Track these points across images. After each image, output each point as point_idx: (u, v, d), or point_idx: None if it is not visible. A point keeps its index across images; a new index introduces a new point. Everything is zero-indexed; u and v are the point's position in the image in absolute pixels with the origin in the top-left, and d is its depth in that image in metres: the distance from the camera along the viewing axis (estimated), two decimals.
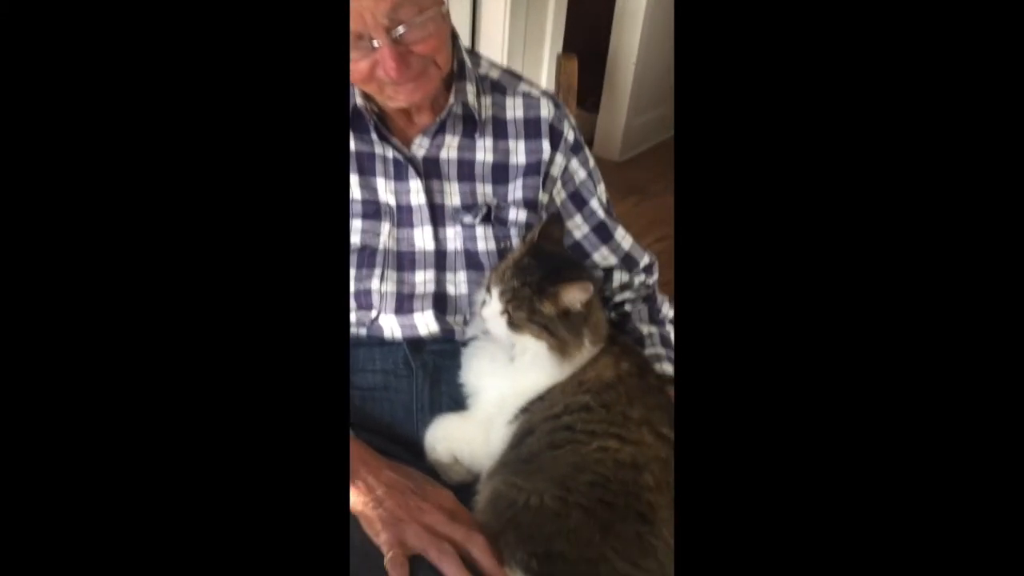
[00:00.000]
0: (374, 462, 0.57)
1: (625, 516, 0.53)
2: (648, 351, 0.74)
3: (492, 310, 0.61)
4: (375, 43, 0.55)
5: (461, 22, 2.12)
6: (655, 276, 0.85)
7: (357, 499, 0.54)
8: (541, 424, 0.59)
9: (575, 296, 0.58)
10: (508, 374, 0.62)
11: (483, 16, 2.21)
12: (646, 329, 0.77)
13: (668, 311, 0.81)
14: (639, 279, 0.83)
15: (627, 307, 0.80)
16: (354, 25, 0.53)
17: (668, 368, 0.72)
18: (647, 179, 3.07)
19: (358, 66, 0.57)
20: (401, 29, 0.55)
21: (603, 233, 0.78)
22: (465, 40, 2.04)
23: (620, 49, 2.97)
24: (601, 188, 0.80)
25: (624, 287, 0.82)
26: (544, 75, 2.70)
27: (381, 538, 0.52)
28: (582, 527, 0.52)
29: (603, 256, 0.78)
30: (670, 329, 0.78)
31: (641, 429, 0.58)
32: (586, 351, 0.62)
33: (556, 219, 0.67)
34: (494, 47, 2.34)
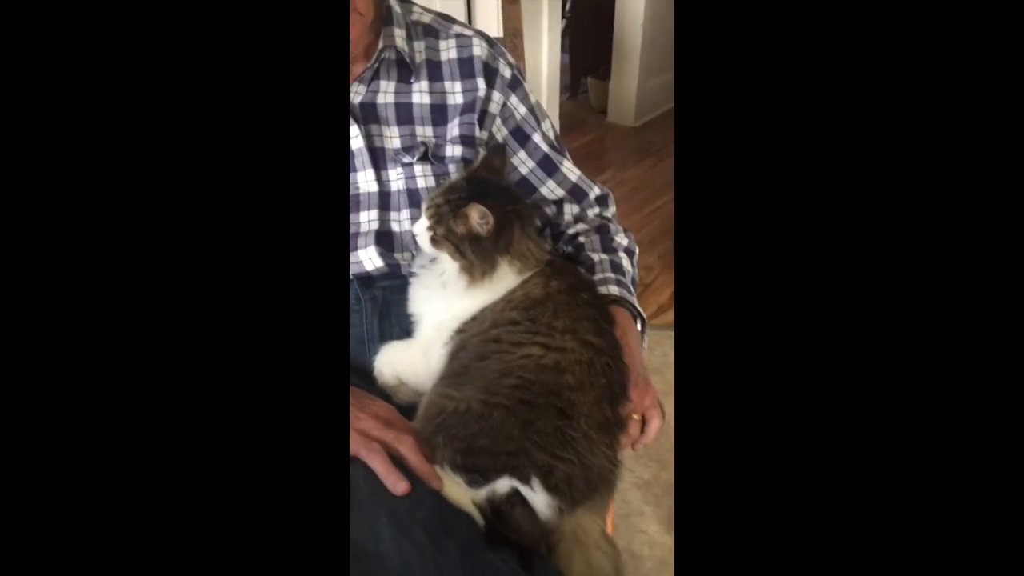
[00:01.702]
0: None
1: (545, 413, 0.56)
2: (597, 276, 0.76)
3: (420, 225, 0.65)
4: None
5: None
6: (611, 208, 0.87)
7: None
8: (471, 340, 0.63)
9: (473, 217, 0.61)
10: (442, 299, 0.66)
11: None
12: (597, 257, 0.79)
13: (623, 240, 0.83)
14: (592, 211, 0.84)
15: (581, 239, 0.82)
16: None
17: (614, 290, 0.74)
18: (663, 142, 3.03)
19: None
20: None
21: (548, 166, 0.80)
22: (460, 13, 2.06)
23: (626, 13, 2.94)
24: (547, 124, 0.82)
25: (577, 220, 0.84)
26: (544, 50, 2.70)
27: None
28: (503, 424, 0.55)
29: (550, 190, 0.81)
30: (622, 256, 0.80)
31: (565, 337, 0.60)
32: (506, 276, 0.64)
33: (498, 150, 0.70)
34: (490, 19, 2.35)
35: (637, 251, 0.85)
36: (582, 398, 0.58)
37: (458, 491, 0.55)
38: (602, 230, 0.83)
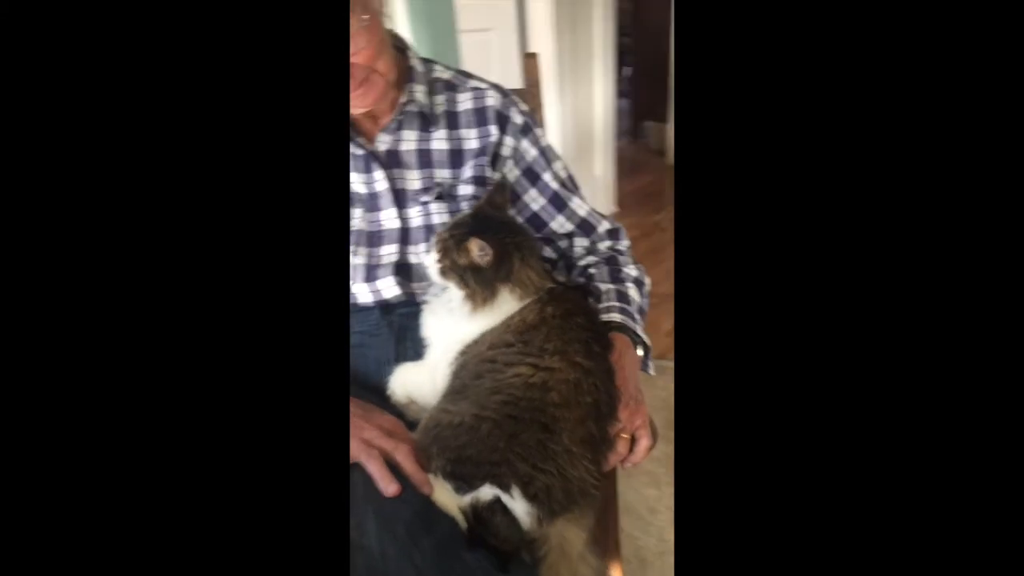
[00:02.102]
0: None
1: (529, 427, 0.60)
2: (602, 304, 0.80)
3: (431, 258, 0.72)
4: None
5: (509, 40, 2.23)
6: (623, 242, 0.91)
7: None
8: (471, 360, 0.68)
9: (473, 250, 0.67)
10: (449, 324, 0.72)
11: (531, 33, 2.31)
12: (604, 287, 0.83)
13: (631, 271, 0.86)
14: (604, 244, 0.89)
15: (591, 270, 0.87)
16: None
17: (616, 317, 0.78)
18: None
19: None
20: None
21: (558, 203, 0.86)
22: (515, 61, 2.16)
23: None
24: (558, 164, 0.88)
25: (589, 252, 0.88)
26: (597, 92, 2.78)
27: None
28: (490, 436, 0.60)
29: (560, 224, 0.86)
30: (630, 286, 0.84)
31: (553, 358, 0.65)
32: (506, 303, 0.70)
33: (500, 188, 0.77)
34: (544, 64, 2.45)
35: (648, 282, 0.88)
36: (566, 415, 0.61)
37: (446, 497, 0.60)
38: (611, 261, 0.87)
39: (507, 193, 0.80)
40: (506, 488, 0.59)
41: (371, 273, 0.79)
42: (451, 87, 0.84)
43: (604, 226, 0.89)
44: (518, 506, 0.58)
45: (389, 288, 0.78)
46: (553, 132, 2.41)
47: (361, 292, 0.79)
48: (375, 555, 0.52)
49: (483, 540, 0.57)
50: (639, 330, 0.79)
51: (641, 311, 0.83)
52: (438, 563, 0.52)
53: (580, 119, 2.64)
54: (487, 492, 0.59)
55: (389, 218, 0.81)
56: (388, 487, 0.57)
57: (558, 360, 0.64)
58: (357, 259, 0.79)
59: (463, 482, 0.60)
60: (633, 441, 0.68)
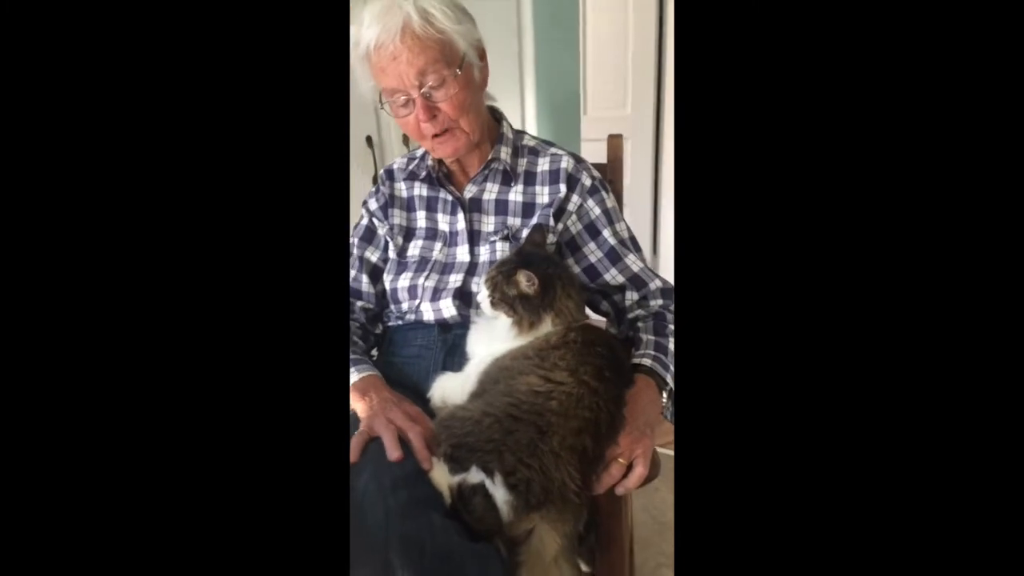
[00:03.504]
0: (381, 389, 0.80)
1: (526, 427, 0.66)
2: (639, 351, 0.84)
3: (483, 293, 0.82)
4: (413, 98, 0.84)
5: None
6: (675, 302, 0.95)
7: (361, 406, 0.77)
8: (493, 368, 0.76)
9: (522, 280, 0.76)
10: (487, 343, 0.81)
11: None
12: (646, 337, 0.87)
13: None
14: (656, 302, 0.94)
15: (639, 323, 0.92)
16: (395, 83, 0.83)
17: (646, 361, 0.82)
18: None
19: (407, 121, 0.88)
20: (430, 83, 0.82)
21: (613, 257, 0.93)
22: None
23: None
24: (620, 225, 0.96)
25: (638, 305, 0.94)
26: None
27: (362, 425, 0.73)
28: (489, 428, 0.67)
29: (612, 276, 0.93)
30: (670, 339, 0.87)
31: (563, 373, 0.70)
32: (545, 328, 0.77)
33: (538, 229, 0.87)
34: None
35: None
36: (562, 422, 0.66)
37: (441, 475, 0.66)
38: (659, 317, 0.91)
39: (544, 232, 0.89)
40: (490, 474, 0.64)
41: (436, 295, 0.91)
42: (534, 152, 0.98)
43: (656, 284, 0.94)
44: (498, 493, 0.63)
45: (448, 309, 0.90)
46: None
47: (426, 311, 0.92)
48: (358, 492, 0.60)
49: (460, 516, 0.62)
50: (668, 378, 0.81)
51: None
52: (406, 513, 0.58)
53: None
54: (475, 475, 0.64)
55: (462, 253, 0.94)
56: (393, 452, 0.66)
57: (567, 376, 0.70)
58: (428, 282, 0.92)
59: (457, 464, 0.66)
60: (629, 469, 0.70)
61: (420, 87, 0.82)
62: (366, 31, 0.82)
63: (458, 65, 0.83)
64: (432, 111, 0.85)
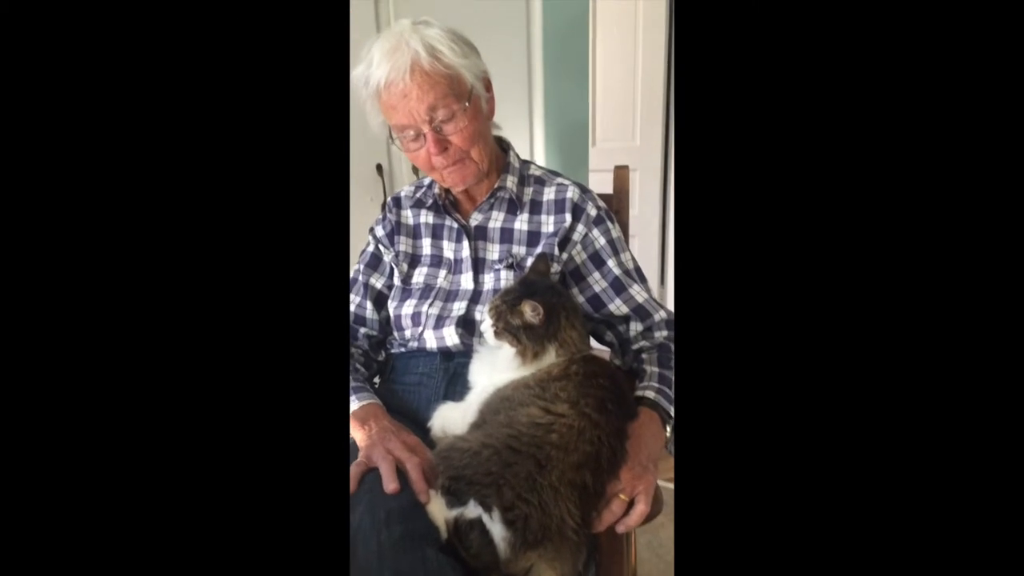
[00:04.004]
0: (381, 418, 0.79)
1: (525, 460, 0.65)
2: (643, 383, 0.83)
3: (486, 323, 0.81)
4: (424, 132, 0.85)
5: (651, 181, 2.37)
6: None
7: (360, 435, 0.76)
8: (494, 399, 0.75)
9: (527, 310, 0.75)
10: (489, 373, 0.80)
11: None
12: (650, 369, 0.86)
13: None
14: (660, 333, 0.93)
15: (643, 355, 0.90)
16: (405, 120, 0.84)
17: (650, 394, 0.80)
18: None
19: (418, 155, 0.89)
20: (440, 118, 0.83)
21: (618, 287, 0.93)
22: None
23: None
24: (625, 256, 0.96)
25: (642, 336, 0.93)
26: None
27: (360, 454, 0.72)
28: (488, 461, 0.65)
29: (617, 306, 0.93)
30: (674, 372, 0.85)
31: (564, 405, 0.69)
32: (550, 359, 0.76)
33: (542, 258, 0.86)
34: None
35: None
36: (562, 456, 0.65)
37: (438, 509, 0.65)
38: (663, 349, 0.90)
39: (548, 261, 0.88)
40: (488, 509, 0.62)
41: (439, 322, 0.91)
42: (540, 181, 0.99)
43: (661, 315, 0.93)
44: (496, 529, 0.62)
45: (451, 337, 0.89)
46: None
47: (429, 338, 0.91)
48: (353, 525, 0.59)
49: (456, 552, 0.61)
50: (671, 410, 0.80)
51: None
52: (400, 547, 0.57)
53: None
54: (473, 510, 0.63)
55: (466, 280, 0.93)
56: (389, 484, 0.64)
57: (568, 408, 0.69)
58: (432, 310, 0.92)
59: (455, 498, 0.64)
60: (631, 506, 0.68)
61: (430, 122, 0.84)
62: (375, 70, 0.83)
63: (467, 98, 0.84)
64: (443, 144, 0.86)
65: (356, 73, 0.86)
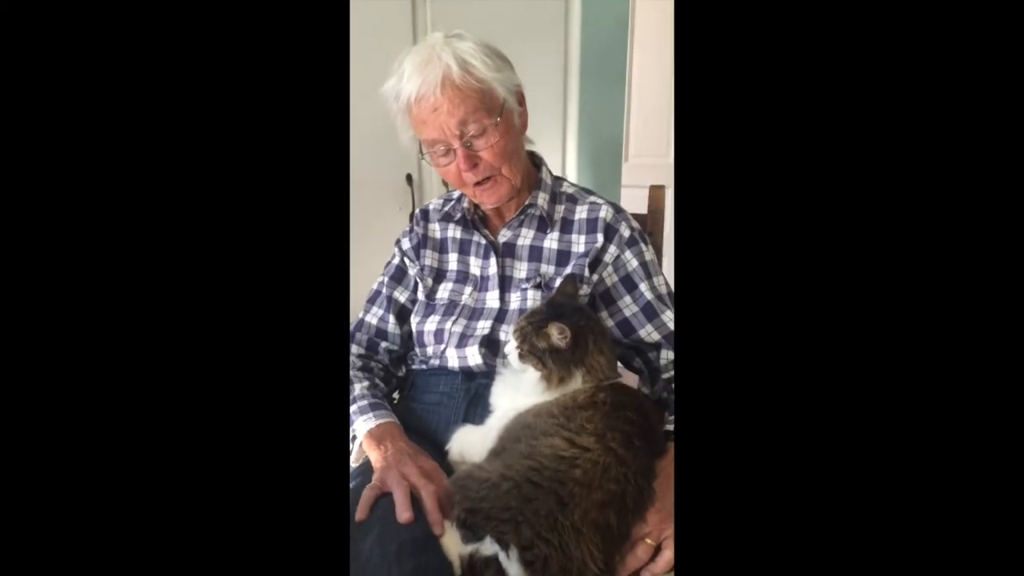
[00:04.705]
0: (398, 439, 0.77)
1: (546, 496, 0.61)
2: (672, 416, 0.79)
3: (510, 345, 0.78)
4: (454, 148, 0.83)
5: None
6: None
7: (376, 455, 0.74)
8: (515, 426, 0.71)
9: (554, 333, 0.72)
10: (511, 396, 0.77)
11: None
12: None
13: None
14: None
15: (674, 385, 0.86)
16: (436, 134, 0.82)
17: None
18: None
19: (448, 170, 0.86)
20: (470, 133, 0.81)
21: (649, 312, 0.89)
22: None
23: None
24: (659, 279, 0.92)
25: (673, 365, 0.88)
26: None
27: (374, 478, 0.70)
28: (507, 495, 0.62)
29: (647, 333, 0.89)
30: None
31: (590, 438, 0.65)
32: (575, 384, 0.73)
33: (571, 279, 0.83)
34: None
35: None
36: (585, 494, 0.61)
37: (452, 543, 0.61)
38: None
39: (576, 283, 0.85)
40: (506, 547, 0.59)
41: (463, 341, 0.88)
42: (572, 199, 0.95)
43: None
44: (513, 569, 0.58)
45: (474, 356, 0.86)
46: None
47: (451, 357, 0.88)
48: (362, 556, 0.56)
49: None
50: None
51: None
52: None
53: None
54: (489, 547, 0.60)
55: (492, 299, 0.91)
56: (403, 514, 0.61)
57: (594, 441, 0.65)
58: (456, 327, 0.89)
59: (471, 532, 0.61)
60: (657, 551, 0.64)
61: (461, 137, 0.81)
62: (406, 83, 0.81)
63: (498, 113, 0.82)
64: (473, 160, 0.83)
65: (387, 86, 0.85)
